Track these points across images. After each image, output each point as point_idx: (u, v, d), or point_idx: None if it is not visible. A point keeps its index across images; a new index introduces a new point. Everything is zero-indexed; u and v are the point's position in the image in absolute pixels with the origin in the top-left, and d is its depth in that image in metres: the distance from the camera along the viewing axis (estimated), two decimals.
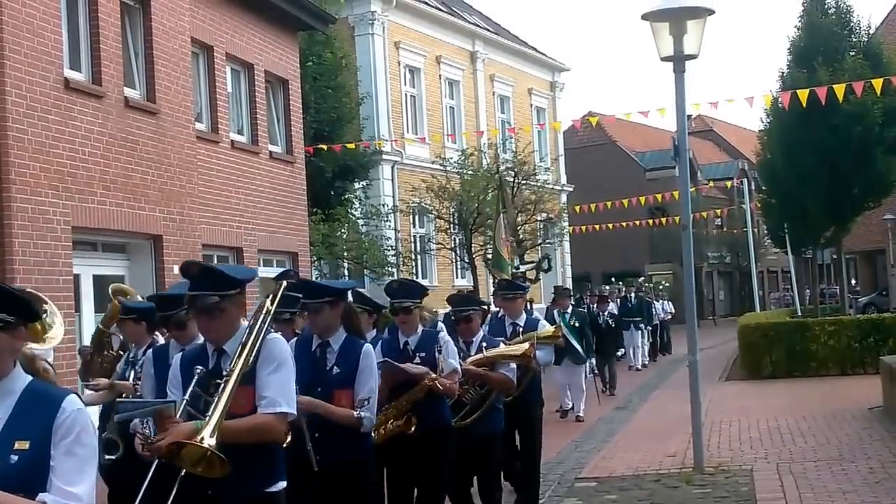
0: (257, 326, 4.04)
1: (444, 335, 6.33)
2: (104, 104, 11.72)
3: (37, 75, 10.62)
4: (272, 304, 4.24)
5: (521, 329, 7.65)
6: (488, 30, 33.26)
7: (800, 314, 27.43)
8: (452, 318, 10.60)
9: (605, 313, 17.46)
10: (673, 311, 27.11)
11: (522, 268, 23.70)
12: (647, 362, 22.36)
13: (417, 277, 25.19)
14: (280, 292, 4.37)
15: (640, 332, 21.82)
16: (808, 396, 14.08)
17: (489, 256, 20.50)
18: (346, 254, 21.27)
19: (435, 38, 29.33)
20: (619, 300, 22.13)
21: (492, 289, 22.96)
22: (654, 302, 25.28)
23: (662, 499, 8.04)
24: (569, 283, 31.69)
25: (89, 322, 11.73)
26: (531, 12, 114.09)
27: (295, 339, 5.46)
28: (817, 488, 7.90)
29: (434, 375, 5.78)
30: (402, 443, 5.75)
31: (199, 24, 14.47)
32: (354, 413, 4.87)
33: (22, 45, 10.43)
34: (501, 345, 6.84)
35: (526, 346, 6.80)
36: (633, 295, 22.99)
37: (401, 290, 6.32)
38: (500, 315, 8.15)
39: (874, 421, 11.26)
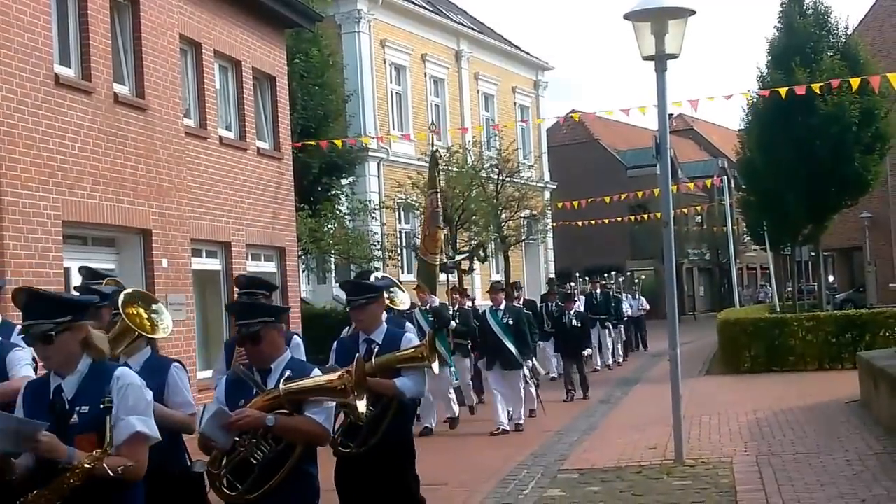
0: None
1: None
2: (94, 100, 11.81)
3: (27, 71, 10.69)
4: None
5: (376, 347, 5.79)
6: (473, 29, 33.41)
7: (778, 310, 27.74)
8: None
9: (571, 312, 16.10)
10: (647, 306, 26.49)
11: (457, 257, 22.95)
12: (620, 360, 21.67)
13: (402, 272, 25.35)
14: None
15: (606, 330, 20.72)
16: (786, 391, 14.28)
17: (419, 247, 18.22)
18: (332, 248, 21.42)
19: (420, 36, 29.46)
20: (584, 297, 21.26)
21: (480, 285, 23.05)
22: (624, 297, 24.18)
23: (644, 490, 8.18)
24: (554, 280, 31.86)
25: None
26: (516, 12, 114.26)
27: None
28: (796, 480, 8.04)
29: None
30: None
31: (187, 21, 14.55)
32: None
33: (12, 41, 10.50)
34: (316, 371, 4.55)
35: (335, 376, 4.55)
36: (598, 291, 21.74)
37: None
38: (351, 329, 6.45)
39: (851, 415, 11.44)
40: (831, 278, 46.91)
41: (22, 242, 10.44)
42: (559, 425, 12.48)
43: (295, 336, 7.17)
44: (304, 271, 20.59)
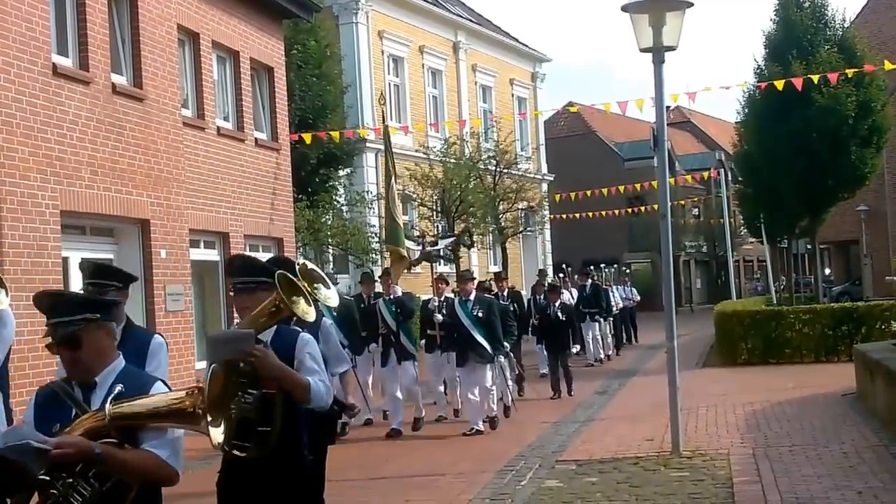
0: None
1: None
2: (91, 90, 11.79)
3: (24, 60, 10.68)
4: None
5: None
6: (471, 21, 33.38)
7: (775, 303, 27.78)
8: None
9: (556, 305, 15.18)
10: (637, 297, 26.12)
11: (441, 243, 22.67)
12: (611, 354, 21.18)
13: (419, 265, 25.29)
14: None
15: (596, 324, 20.05)
16: (783, 383, 14.31)
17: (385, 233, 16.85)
18: (330, 240, 21.42)
19: (418, 28, 29.42)
20: (576, 290, 20.54)
21: (481, 275, 22.96)
22: (614, 289, 23.47)
23: (641, 481, 8.20)
24: (549, 272, 31.90)
25: None
26: (514, 4, 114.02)
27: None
28: (792, 472, 8.07)
29: None
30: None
31: (185, 11, 14.53)
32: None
33: (10, 31, 10.48)
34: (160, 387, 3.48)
35: (181, 394, 3.37)
36: (588, 284, 20.84)
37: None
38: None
39: (847, 407, 11.48)
40: (828, 271, 46.99)
41: (20, 232, 10.44)
42: (557, 416, 12.50)
43: (156, 336, 5.38)
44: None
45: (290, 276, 4.61)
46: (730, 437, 10.11)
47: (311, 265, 5.41)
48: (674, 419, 9.45)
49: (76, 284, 11.92)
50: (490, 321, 11.47)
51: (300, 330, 4.69)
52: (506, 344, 11.98)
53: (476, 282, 12.16)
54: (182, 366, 13.30)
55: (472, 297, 11.64)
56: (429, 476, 9.12)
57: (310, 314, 4.61)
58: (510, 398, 12.77)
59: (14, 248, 10.32)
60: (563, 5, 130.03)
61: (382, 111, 16.74)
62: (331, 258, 21.86)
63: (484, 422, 11.35)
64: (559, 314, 15.10)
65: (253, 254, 16.21)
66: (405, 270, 14.86)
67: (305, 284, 4.85)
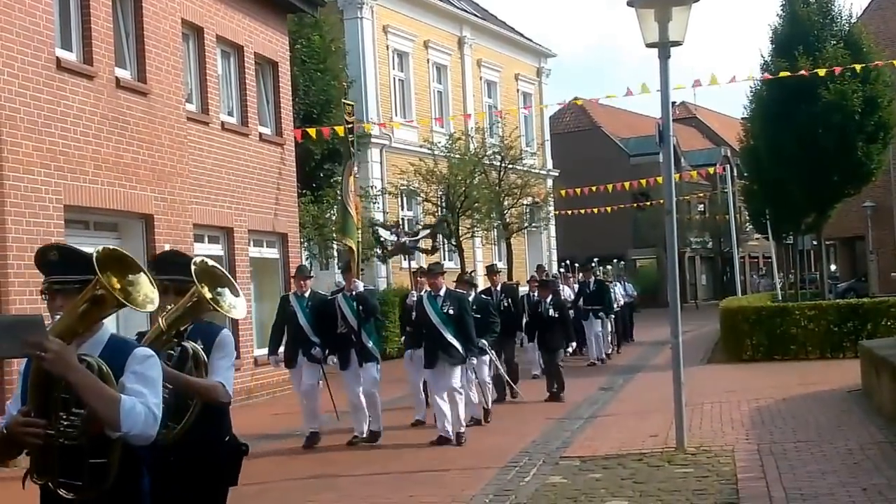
0: None
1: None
2: (95, 84, 11.78)
3: (28, 54, 10.67)
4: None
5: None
6: (476, 15, 33.32)
7: (780, 299, 27.73)
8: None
9: (548, 301, 14.39)
10: (635, 293, 25.83)
11: (420, 234, 21.79)
12: (611, 352, 20.67)
13: (405, 259, 25.31)
14: None
15: (599, 321, 19.57)
16: (788, 379, 14.30)
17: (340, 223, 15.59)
18: (334, 235, 21.37)
19: (423, 22, 29.36)
20: (577, 286, 20.37)
21: (482, 270, 22.81)
22: (616, 285, 23.12)
23: (645, 477, 8.19)
24: (554, 267, 31.89)
25: None
26: None
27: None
28: (797, 469, 8.05)
29: None
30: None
31: (189, 5, 14.51)
32: None
33: (13, 25, 10.47)
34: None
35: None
36: (591, 280, 20.41)
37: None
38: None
39: (853, 404, 11.46)
40: (833, 267, 46.91)
41: (24, 227, 10.44)
42: (561, 412, 12.49)
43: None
44: (307, 259, 20.57)
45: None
46: (734, 433, 10.09)
47: (211, 262, 4.44)
48: (678, 415, 9.44)
49: None
50: (462, 319, 10.47)
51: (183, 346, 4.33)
52: (483, 342, 11.34)
53: (444, 275, 11.06)
54: None
55: (442, 292, 10.62)
56: (433, 472, 9.11)
57: (235, 310, 4.36)
58: (488, 402, 11.92)
59: (18, 243, 10.31)
60: (569, 0, 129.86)
61: (345, 91, 15.82)
62: (335, 253, 21.84)
63: (460, 433, 10.38)
64: (551, 310, 14.27)
65: (256, 249, 16.27)
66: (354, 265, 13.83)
67: (205, 288, 4.25)
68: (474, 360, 11.00)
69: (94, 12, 11.86)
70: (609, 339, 20.78)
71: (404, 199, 27.23)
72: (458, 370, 10.47)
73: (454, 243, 24.96)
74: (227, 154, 15.42)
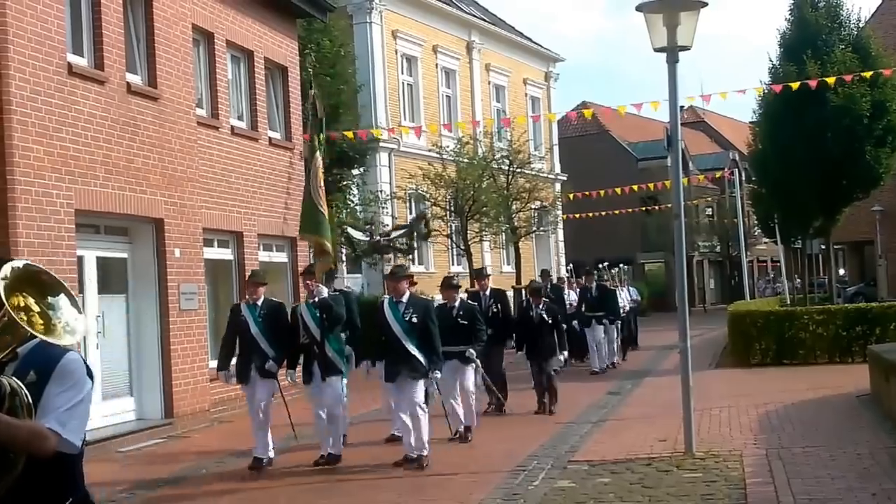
0: None
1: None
2: (106, 89, 11.85)
3: (40, 60, 10.74)
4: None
5: None
6: (484, 20, 33.38)
7: (789, 303, 27.68)
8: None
9: (539, 307, 13.26)
10: (638, 298, 25.50)
11: (394, 234, 21.23)
12: (616, 360, 19.53)
13: (414, 264, 25.37)
14: None
15: (602, 327, 18.40)
16: (796, 384, 14.27)
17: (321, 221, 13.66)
18: (343, 239, 21.43)
19: (432, 27, 29.44)
20: (579, 291, 19.27)
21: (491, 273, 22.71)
22: (621, 290, 21.99)
23: (654, 482, 8.19)
24: (562, 271, 31.87)
25: (92, 303, 11.91)
26: (527, 3, 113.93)
27: None
28: (805, 474, 8.05)
29: None
30: None
31: (199, 11, 14.59)
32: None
33: (25, 30, 10.55)
34: None
35: None
36: (594, 285, 19.02)
37: None
38: None
39: (862, 408, 11.45)
40: (842, 271, 46.78)
41: (35, 231, 10.51)
42: (569, 417, 12.48)
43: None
44: (312, 263, 20.63)
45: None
46: (743, 437, 10.09)
47: (39, 267, 3.21)
48: (687, 420, 9.44)
49: (90, 283, 12.00)
50: (426, 328, 9.50)
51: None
52: (470, 351, 10.74)
53: (410, 279, 10.19)
54: (196, 365, 13.37)
55: (404, 298, 9.59)
56: (441, 476, 9.13)
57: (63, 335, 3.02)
58: (472, 416, 11.08)
59: (29, 247, 10.38)
60: (577, 4, 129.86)
61: (310, 82, 14.85)
62: (344, 258, 21.89)
63: (422, 455, 9.45)
64: (543, 316, 13.15)
65: (266, 253, 16.32)
66: (332, 267, 12.91)
67: (27, 297, 3.03)
68: (437, 374, 9.79)
69: (106, 18, 11.93)
70: (615, 346, 19.62)
71: (413, 203, 27.31)
72: (420, 385, 9.51)
73: (463, 247, 25.00)
74: (237, 158, 15.48)
